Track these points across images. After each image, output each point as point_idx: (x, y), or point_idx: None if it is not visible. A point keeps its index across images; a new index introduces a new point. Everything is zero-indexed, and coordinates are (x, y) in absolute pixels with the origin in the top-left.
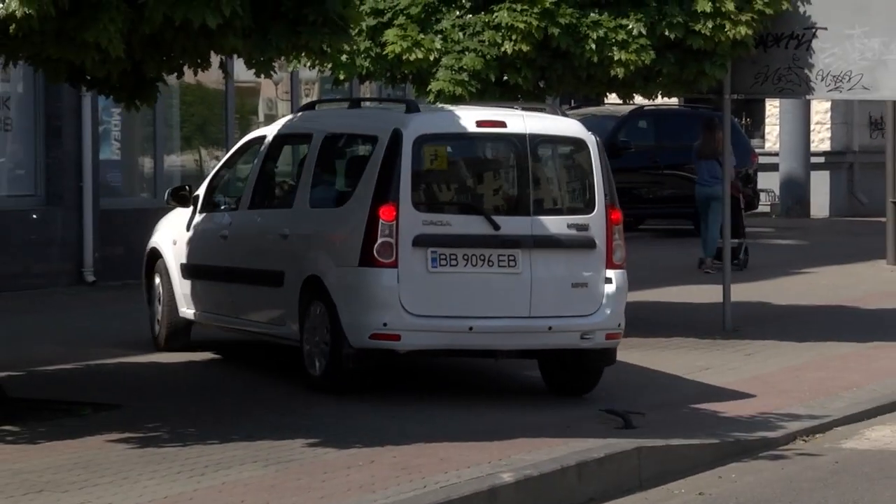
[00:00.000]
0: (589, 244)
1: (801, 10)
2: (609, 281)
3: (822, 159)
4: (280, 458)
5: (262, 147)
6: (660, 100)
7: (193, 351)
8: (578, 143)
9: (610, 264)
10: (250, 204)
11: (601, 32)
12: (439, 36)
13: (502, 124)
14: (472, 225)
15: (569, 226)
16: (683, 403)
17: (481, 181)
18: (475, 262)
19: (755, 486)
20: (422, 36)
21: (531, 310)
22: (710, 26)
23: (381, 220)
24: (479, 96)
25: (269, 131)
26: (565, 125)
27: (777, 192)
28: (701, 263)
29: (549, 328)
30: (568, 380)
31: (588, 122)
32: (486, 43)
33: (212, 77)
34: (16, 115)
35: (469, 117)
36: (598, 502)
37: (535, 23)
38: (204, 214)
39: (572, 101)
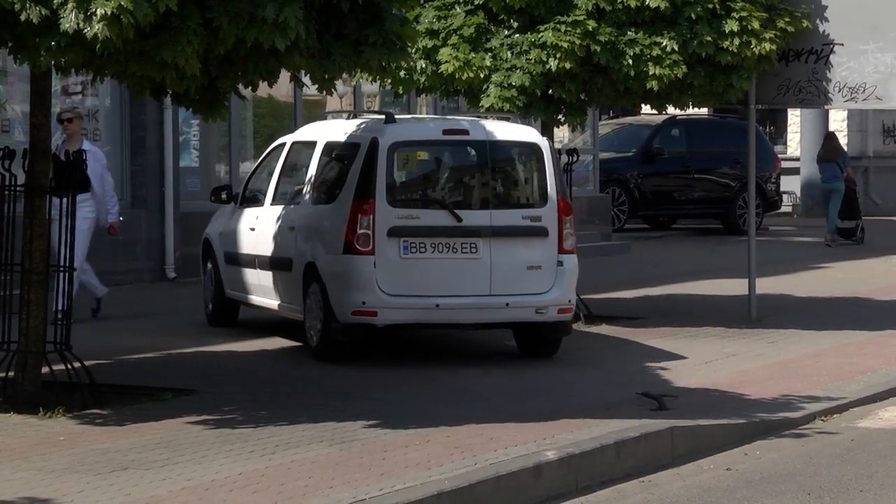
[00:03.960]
0: (542, 233)
1: (820, 27)
2: (560, 264)
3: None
4: (343, 439)
5: (283, 152)
6: (691, 110)
7: (254, 338)
8: (533, 147)
9: (561, 250)
10: (271, 201)
11: (637, 49)
12: (489, 54)
13: (465, 132)
14: (438, 218)
15: (523, 217)
16: (713, 387)
17: (447, 180)
18: (441, 249)
19: (778, 461)
20: (473, 55)
21: (491, 289)
22: (738, 43)
23: (360, 215)
24: (525, 110)
25: (289, 139)
26: (522, 132)
27: (798, 194)
28: (833, 240)
29: (507, 304)
30: (534, 347)
31: (625, 131)
32: (533, 61)
33: (281, 91)
34: (104, 127)
35: (437, 126)
36: (635, 477)
37: (577, 42)
38: (240, 210)
39: (611, 112)
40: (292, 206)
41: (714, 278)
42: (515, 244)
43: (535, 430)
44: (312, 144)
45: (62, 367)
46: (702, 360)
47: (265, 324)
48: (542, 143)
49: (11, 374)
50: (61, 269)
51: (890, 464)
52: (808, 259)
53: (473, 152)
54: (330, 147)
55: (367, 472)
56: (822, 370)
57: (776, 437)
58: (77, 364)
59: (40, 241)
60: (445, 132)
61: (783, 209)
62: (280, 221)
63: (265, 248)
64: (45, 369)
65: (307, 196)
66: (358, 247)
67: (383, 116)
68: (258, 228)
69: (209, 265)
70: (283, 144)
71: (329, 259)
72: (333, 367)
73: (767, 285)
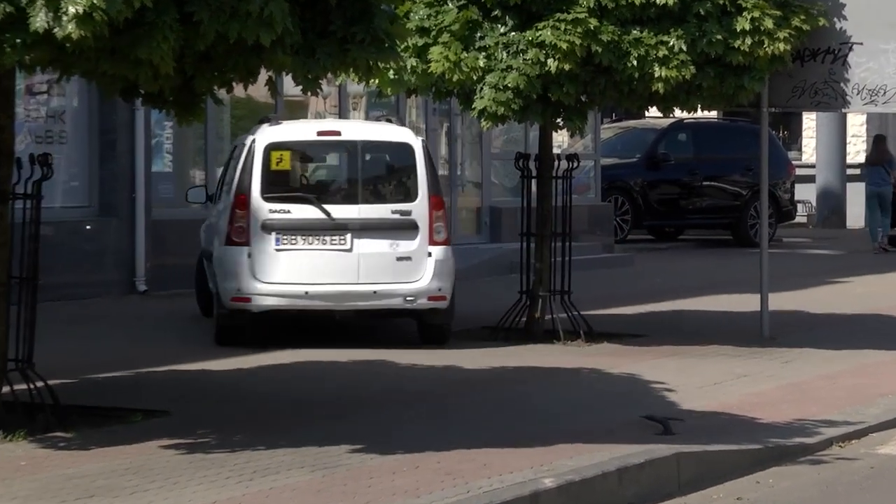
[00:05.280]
0: (411, 226)
1: (838, 25)
2: (430, 255)
3: (857, 171)
4: (326, 464)
5: (232, 153)
6: (699, 113)
7: (232, 355)
8: (405, 147)
9: (432, 242)
10: (217, 198)
11: (642, 50)
12: (483, 54)
13: (338, 133)
14: (309, 212)
15: (393, 212)
16: (722, 410)
17: (319, 178)
18: (311, 241)
19: (792, 490)
20: (465, 54)
21: (359, 278)
22: (749, 43)
23: (237, 209)
24: (521, 114)
25: (239, 140)
26: (395, 133)
27: (814, 203)
28: (882, 247)
29: (374, 292)
30: (423, 334)
31: (628, 135)
32: (530, 61)
33: (261, 91)
34: (71, 129)
35: (311, 128)
36: None
37: (578, 41)
38: (212, 207)
39: (613, 115)
40: (216, 204)
41: (723, 293)
42: (384, 236)
43: (532, 456)
44: (241, 146)
45: (24, 386)
46: (710, 381)
47: (248, 338)
48: (416, 143)
49: None
50: (24, 279)
51: None
52: (824, 272)
53: (346, 152)
54: (239, 148)
55: (352, 501)
56: (840, 392)
57: (790, 464)
58: (40, 383)
59: (4, 249)
60: (319, 133)
61: (798, 219)
62: (211, 218)
63: (207, 242)
64: (5, 388)
65: (221, 194)
66: (235, 239)
67: (267, 120)
68: (208, 225)
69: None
70: (236, 146)
71: (217, 251)
72: (317, 387)
73: (781, 301)
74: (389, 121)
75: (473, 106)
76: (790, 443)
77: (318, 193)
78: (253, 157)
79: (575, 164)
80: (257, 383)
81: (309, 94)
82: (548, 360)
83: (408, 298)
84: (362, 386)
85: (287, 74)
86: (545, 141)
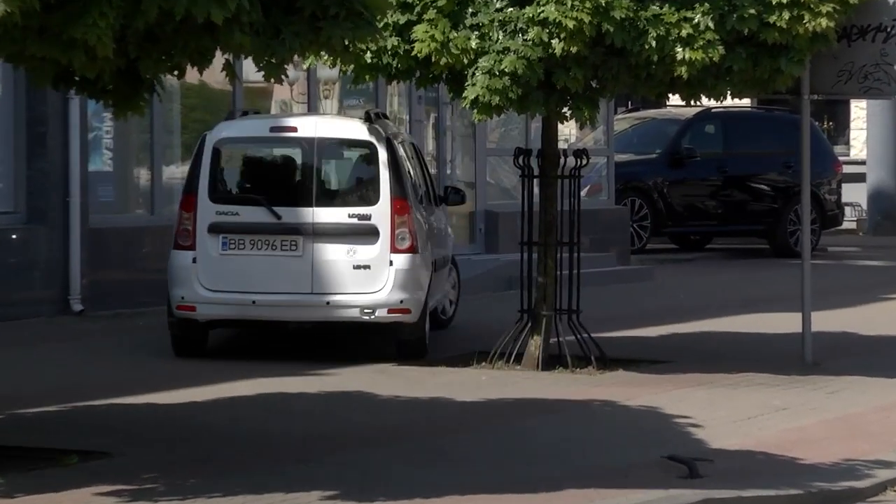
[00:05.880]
0: (371, 231)
1: None
2: (392, 264)
3: None
4: None
5: None
6: (729, 101)
7: (197, 384)
8: (367, 145)
9: (394, 249)
10: None
11: (662, 29)
12: (475, 33)
13: (294, 129)
14: (258, 215)
15: (350, 216)
16: (757, 448)
17: (271, 177)
18: (260, 246)
19: None
20: (454, 34)
21: (312, 287)
22: (787, 18)
23: (183, 211)
24: (520, 103)
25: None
26: (356, 130)
27: (864, 207)
28: None
29: (327, 303)
30: (400, 350)
31: (647, 127)
32: (531, 42)
33: (217, 77)
34: None
35: (266, 124)
36: None
37: (587, 18)
38: None
39: (629, 103)
40: None
41: (759, 312)
42: (340, 242)
43: (536, 503)
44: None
45: None
46: (744, 415)
47: (214, 367)
48: (379, 142)
49: None
50: None
51: None
52: (876, 287)
53: (301, 150)
54: (201, 144)
55: None
56: (894, 428)
57: None
58: None
59: None
60: (273, 129)
61: (845, 225)
62: None
63: None
64: None
65: None
66: (180, 242)
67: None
68: None
69: None
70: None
71: (169, 255)
72: (283, 422)
73: (826, 321)
74: (384, 116)
75: (465, 94)
76: (837, 487)
77: (270, 194)
78: (202, 154)
79: (584, 162)
80: (213, 418)
81: (272, 80)
82: (553, 391)
83: (365, 311)
84: (336, 421)
85: (247, 58)
86: (549, 134)
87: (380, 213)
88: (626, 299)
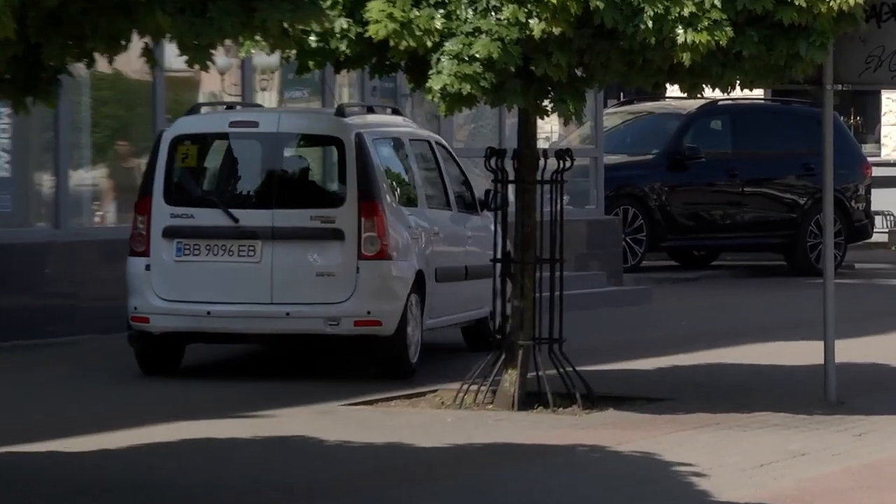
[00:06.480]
0: (336, 236)
1: None
2: (358, 271)
3: None
4: None
5: None
6: (739, 92)
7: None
8: (334, 142)
9: (361, 255)
10: None
11: (661, 7)
12: (440, 12)
13: (254, 124)
14: (214, 217)
15: (312, 218)
16: (771, 501)
17: (229, 177)
18: (216, 251)
19: None
20: (416, 12)
21: (272, 297)
22: None
23: (137, 214)
24: (493, 94)
25: None
26: (322, 124)
27: None
28: None
29: (287, 314)
30: (380, 368)
31: (642, 123)
32: (506, 22)
33: (133, 66)
34: None
35: (226, 118)
36: None
37: None
38: None
39: (621, 95)
40: None
41: (774, 340)
42: (302, 248)
43: None
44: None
45: None
46: (755, 462)
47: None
48: (347, 137)
49: None
50: None
51: None
52: None
53: (262, 146)
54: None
55: None
56: None
57: None
58: None
59: None
60: (233, 124)
61: (875, 238)
62: None
63: None
64: None
65: None
66: (134, 248)
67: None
68: None
69: None
70: None
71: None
72: (209, 474)
73: (852, 351)
74: (397, 111)
75: (428, 84)
76: None
77: (228, 195)
78: (157, 152)
79: (568, 164)
80: (126, 469)
81: (198, 67)
82: (531, 435)
83: (329, 322)
84: (268, 477)
85: (171, 41)
86: (527, 132)
87: (345, 215)
88: (618, 326)
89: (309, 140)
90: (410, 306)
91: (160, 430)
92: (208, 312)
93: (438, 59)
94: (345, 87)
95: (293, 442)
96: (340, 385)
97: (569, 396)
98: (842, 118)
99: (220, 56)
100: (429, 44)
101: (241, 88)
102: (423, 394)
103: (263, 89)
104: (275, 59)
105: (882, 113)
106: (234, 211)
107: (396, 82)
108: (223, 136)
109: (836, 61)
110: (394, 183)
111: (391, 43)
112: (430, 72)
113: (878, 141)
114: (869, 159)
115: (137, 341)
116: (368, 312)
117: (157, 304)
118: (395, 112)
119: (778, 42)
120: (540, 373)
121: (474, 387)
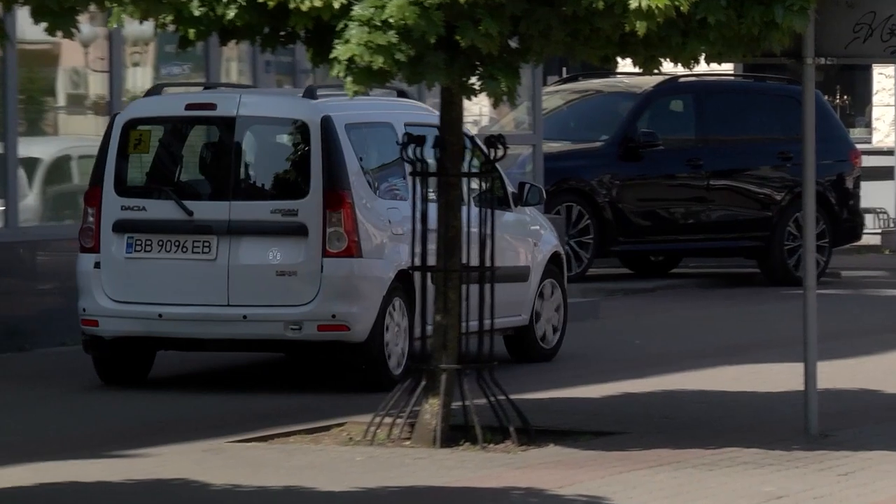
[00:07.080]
0: (298, 231)
1: None
2: (323, 270)
3: None
4: None
5: None
6: (704, 67)
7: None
8: (297, 126)
9: (326, 252)
10: None
11: None
12: None
13: (211, 107)
14: (167, 210)
15: (273, 211)
16: None
17: (183, 165)
18: (169, 248)
19: None
20: None
21: (229, 298)
22: None
23: (86, 206)
24: (411, 68)
25: None
26: (285, 106)
27: (890, 213)
28: None
29: (244, 317)
30: (353, 378)
31: (589, 105)
32: None
33: None
34: None
35: (182, 100)
36: None
37: None
38: None
39: (564, 70)
40: None
41: (745, 362)
42: (261, 244)
43: None
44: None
45: None
46: None
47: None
48: (313, 121)
49: None
50: None
51: None
52: None
53: (219, 131)
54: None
55: None
56: None
57: None
58: None
59: None
60: (189, 107)
61: (865, 239)
62: None
63: None
64: None
65: None
66: (83, 243)
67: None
68: None
69: None
70: None
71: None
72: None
73: (837, 374)
74: (403, 94)
75: (333, 55)
76: None
77: (182, 186)
78: (110, 137)
79: (500, 153)
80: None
81: (61, 35)
82: (456, 476)
83: (292, 327)
84: None
85: (22, 6)
86: (451, 115)
87: (308, 207)
88: (560, 346)
89: (271, 124)
90: (391, 311)
91: (17, 471)
92: (160, 315)
93: (345, 27)
94: (232, 61)
95: (172, 487)
96: (239, 413)
97: (501, 430)
98: (826, 98)
99: (84, 24)
100: (336, 5)
101: (108, 64)
102: (328, 427)
103: (135, 64)
104: (148, 27)
105: (873, 91)
106: (188, 203)
107: (294, 55)
108: (177, 120)
109: (818, 30)
110: (371, 173)
111: (291, 6)
112: (336, 42)
113: (868, 125)
114: (858, 146)
115: (92, 346)
116: (333, 316)
117: (107, 306)
118: (402, 94)
119: (750, 8)
120: (467, 402)
121: (388, 419)
